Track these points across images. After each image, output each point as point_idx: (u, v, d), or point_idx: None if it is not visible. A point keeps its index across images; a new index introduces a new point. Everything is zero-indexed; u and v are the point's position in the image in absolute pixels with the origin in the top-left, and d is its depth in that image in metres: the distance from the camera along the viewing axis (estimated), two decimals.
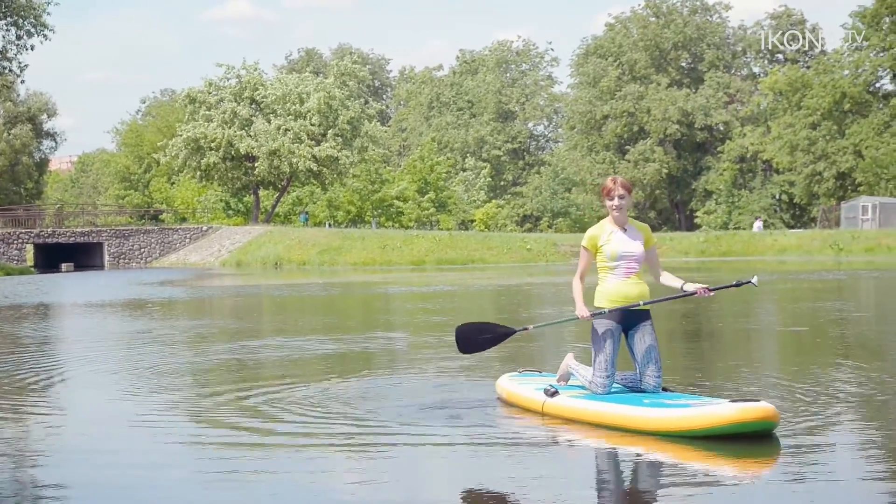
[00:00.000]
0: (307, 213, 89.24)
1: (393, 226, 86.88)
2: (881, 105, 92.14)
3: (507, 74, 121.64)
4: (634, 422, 8.75)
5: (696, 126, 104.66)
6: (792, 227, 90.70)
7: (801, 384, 11.31)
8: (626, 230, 9.67)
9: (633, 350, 9.64)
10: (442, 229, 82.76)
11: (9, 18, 74.83)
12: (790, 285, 33.97)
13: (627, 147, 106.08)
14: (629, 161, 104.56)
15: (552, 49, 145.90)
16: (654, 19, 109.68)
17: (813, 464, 7.75)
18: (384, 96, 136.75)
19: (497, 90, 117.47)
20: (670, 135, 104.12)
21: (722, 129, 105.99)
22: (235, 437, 9.14)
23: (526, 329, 10.85)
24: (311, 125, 76.62)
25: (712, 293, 9.64)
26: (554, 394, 9.71)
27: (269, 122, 77.26)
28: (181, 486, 7.50)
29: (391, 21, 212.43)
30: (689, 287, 9.63)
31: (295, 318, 24.19)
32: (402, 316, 24.12)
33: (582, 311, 9.65)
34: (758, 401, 8.49)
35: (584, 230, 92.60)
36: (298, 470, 7.83)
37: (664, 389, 9.69)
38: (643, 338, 9.58)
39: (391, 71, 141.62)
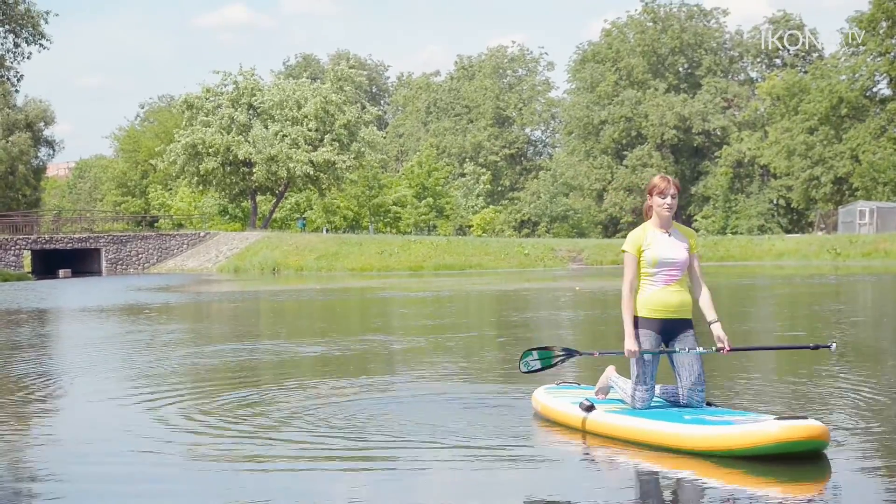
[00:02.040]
0: (304, 218, 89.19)
1: (391, 231, 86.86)
2: (878, 110, 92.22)
3: (505, 80, 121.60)
4: (674, 439, 8.19)
5: (693, 131, 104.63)
6: (790, 232, 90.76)
7: (838, 398, 10.75)
8: (669, 234, 9.03)
9: (675, 362, 8.96)
10: (440, 235, 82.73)
11: (7, 26, 74.79)
12: (788, 290, 34.00)
13: (625, 152, 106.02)
14: (627, 166, 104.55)
15: (546, 54, 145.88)
16: (651, 24, 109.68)
17: (863, 489, 7.17)
18: (382, 102, 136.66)
19: (495, 95, 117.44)
20: (668, 140, 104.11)
21: (719, 134, 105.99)
22: (233, 450, 8.96)
23: (592, 354, 9.91)
24: (309, 130, 76.58)
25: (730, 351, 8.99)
26: (590, 408, 9.08)
27: (266, 127, 77.21)
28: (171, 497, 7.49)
29: (389, 27, 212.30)
30: (716, 330, 8.94)
31: (293, 322, 24.19)
32: (399, 321, 24.11)
33: (631, 344, 8.87)
34: (805, 418, 7.85)
35: (582, 235, 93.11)
36: (295, 490, 7.54)
37: (708, 404, 9.05)
38: (685, 349, 8.89)
39: (389, 77, 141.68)
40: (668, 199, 8.93)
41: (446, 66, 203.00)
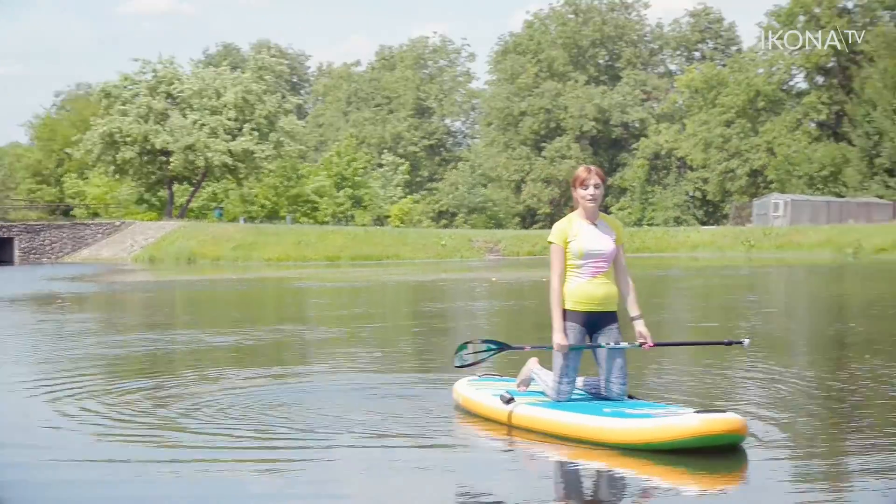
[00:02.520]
0: (222, 208, 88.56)
1: (308, 222, 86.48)
2: (794, 104, 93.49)
3: (426, 70, 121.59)
4: (593, 433, 8.03)
5: (612, 123, 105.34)
6: (705, 224, 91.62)
7: (754, 390, 10.84)
8: (596, 225, 8.84)
9: (598, 355, 8.80)
10: (358, 225, 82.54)
11: None
12: (702, 281, 34.26)
13: (544, 143, 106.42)
14: (545, 157, 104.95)
15: (468, 45, 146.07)
16: (572, 17, 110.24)
17: (779, 478, 7.11)
18: (302, 91, 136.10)
19: (415, 86, 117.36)
20: (586, 131, 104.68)
21: (638, 126, 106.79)
22: (138, 442, 8.75)
23: (522, 348, 9.80)
24: (228, 120, 76.06)
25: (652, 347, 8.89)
26: (510, 400, 8.87)
27: (185, 116, 76.56)
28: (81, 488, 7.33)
29: (310, 16, 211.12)
30: (638, 326, 8.83)
31: (207, 312, 23.98)
32: (315, 311, 23.97)
33: (560, 339, 8.70)
34: (724, 412, 7.84)
35: (499, 226, 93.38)
36: (203, 483, 7.30)
37: (630, 397, 8.90)
38: (609, 343, 8.75)
39: (310, 66, 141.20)
40: (591, 190, 8.75)
41: (367, 56, 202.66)
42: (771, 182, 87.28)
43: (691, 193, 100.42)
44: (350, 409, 9.78)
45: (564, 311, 8.77)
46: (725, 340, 9.26)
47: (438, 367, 12.72)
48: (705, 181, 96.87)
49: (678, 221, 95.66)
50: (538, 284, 32.73)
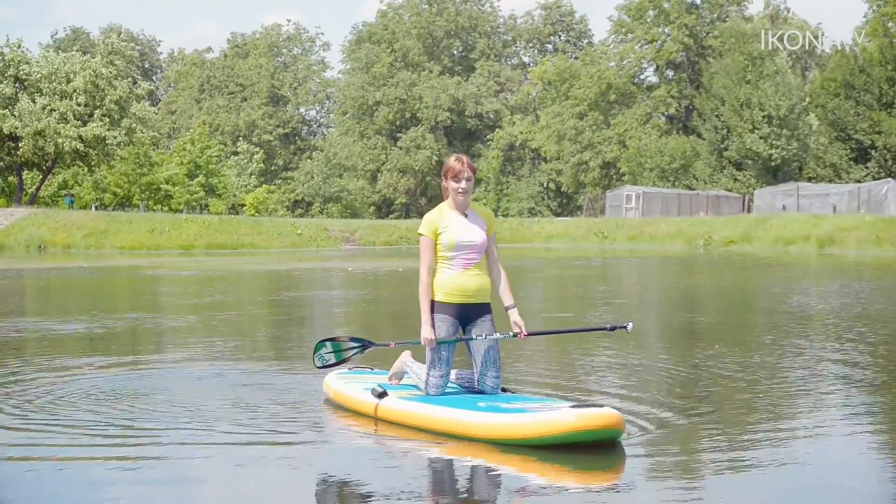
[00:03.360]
0: (73, 195, 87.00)
1: (162, 209, 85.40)
2: (645, 97, 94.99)
3: (280, 59, 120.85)
4: (468, 427, 7.92)
5: (466, 114, 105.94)
6: (559, 215, 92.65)
7: (623, 381, 10.82)
8: (467, 215, 8.76)
9: (471, 348, 8.71)
10: (212, 214, 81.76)
11: None
12: (556, 272, 34.65)
13: (399, 133, 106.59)
14: (401, 148, 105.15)
15: (322, 34, 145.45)
16: (426, 7, 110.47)
17: (655, 476, 7.05)
18: (154, 77, 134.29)
19: (269, 74, 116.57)
20: (441, 122, 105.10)
21: (492, 117, 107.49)
22: None
23: (388, 345, 9.54)
24: (78, 105, 74.68)
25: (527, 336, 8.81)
26: (382, 395, 8.72)
27: (33, 101, 74.97)
28: None
29: (160, 1, 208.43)
30: (513, 316, 8.81)
31: (57, 300, 23.57)
32: (168, 299, 23.70)
33: (427, 332, 8.59)
34: (601, 406, 7.70)
35: (355, 216, 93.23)
36: (49, 481, 7.06)
37: (503, 390, 8.83)
38: (482, 335, 8.64)
39: (161, 52, 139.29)
40: (463, 184, 8.67)
41: (219, 43, 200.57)
42: (623, 174, 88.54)
43: (545, 185, 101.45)
44: (208, 401, 9.66)
45: (435, 304, 8.68)
46: (608, 326, 9.11)
47: (298, 358, 12.69)
48: (559, 173, 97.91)
49: (532, 212, 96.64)
50: (394, 274, 32.85)
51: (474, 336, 8.67)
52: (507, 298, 8.84)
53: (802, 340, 14.31)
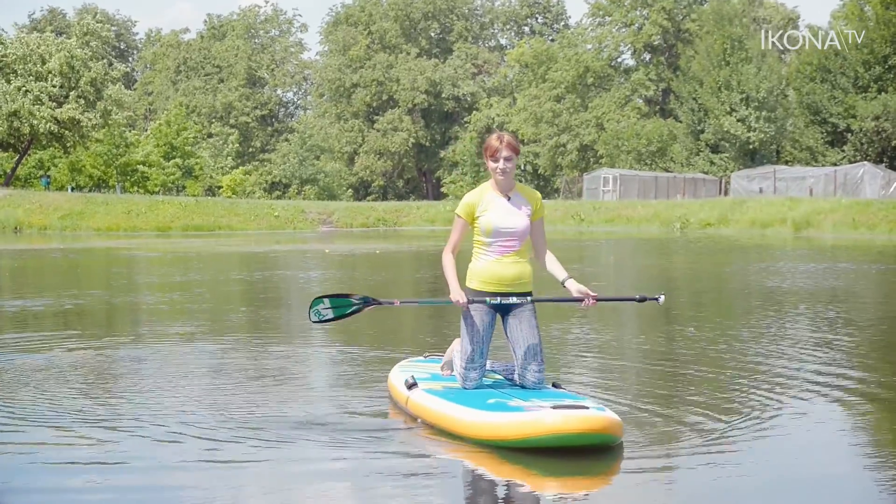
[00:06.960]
0: (49, 176, 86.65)
1: (138, 191, 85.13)
2: (622, 80, 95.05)
3: (257, 40, 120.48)
4: (460, 427, 7.44)
5: (443, 96, 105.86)
6: None
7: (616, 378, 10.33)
8: (510, 198, 8.08)
9: (511, 340, 8.14)
10: (188, 195, 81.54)
11: None
12: (532, 254, 34.61)
13: (376, 116, 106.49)
14: (378, 130, 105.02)
15: (300, 15, 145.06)
16: None
17: (644, 482, 6.55)
18: (130, 59, 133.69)
19: (247, 56, 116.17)
20: (418, 104, 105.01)
21: (469, 99, 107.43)
22: None
23: (392, 303, 8.86)
24: (53, 87, 74.38)
25: (595, 303, 8.12)
26: (412, 386, 8.27)
27: (8, 82, 74.65)
28: None
29: None
30: (572, 286, 8.10)
31: (32, 281, 23.49)
32: (144, 280, 23.64)
33: (457, 294, 8.01)
34: (586, 408, 7.12)
35: (332, 198, 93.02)
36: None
37: (554, 385, 8.19)
38: (520, 326, 8.05)
39: (137, 33, 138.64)
40: (501, 163, 8.00)
41: (196, 24, 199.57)
42: (601, 157, 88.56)
43: (523, 167, 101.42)
44: (182, 380, 9.67)
45: (470, 292, 8.13)
46: (638, 297, 8.51)
47: (284, 338, 12.67)
48: (536, 155, 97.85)
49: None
50: (371, 256, 32.82)
51: (511, 321, 8.17)
52: (560, 273, 8.20)
53: (779, 322, 14.36)
